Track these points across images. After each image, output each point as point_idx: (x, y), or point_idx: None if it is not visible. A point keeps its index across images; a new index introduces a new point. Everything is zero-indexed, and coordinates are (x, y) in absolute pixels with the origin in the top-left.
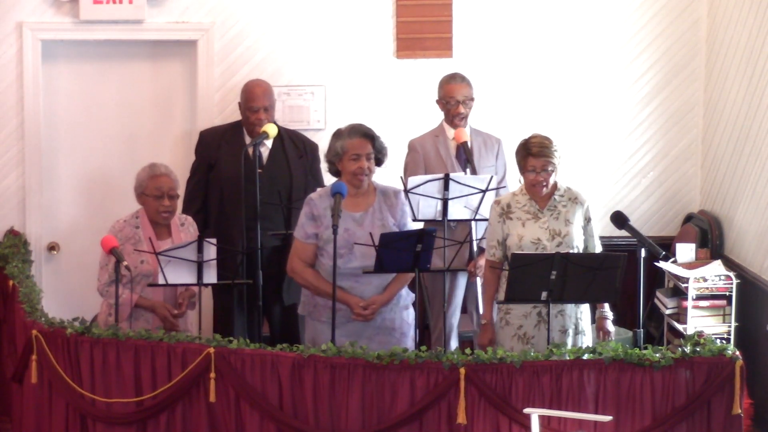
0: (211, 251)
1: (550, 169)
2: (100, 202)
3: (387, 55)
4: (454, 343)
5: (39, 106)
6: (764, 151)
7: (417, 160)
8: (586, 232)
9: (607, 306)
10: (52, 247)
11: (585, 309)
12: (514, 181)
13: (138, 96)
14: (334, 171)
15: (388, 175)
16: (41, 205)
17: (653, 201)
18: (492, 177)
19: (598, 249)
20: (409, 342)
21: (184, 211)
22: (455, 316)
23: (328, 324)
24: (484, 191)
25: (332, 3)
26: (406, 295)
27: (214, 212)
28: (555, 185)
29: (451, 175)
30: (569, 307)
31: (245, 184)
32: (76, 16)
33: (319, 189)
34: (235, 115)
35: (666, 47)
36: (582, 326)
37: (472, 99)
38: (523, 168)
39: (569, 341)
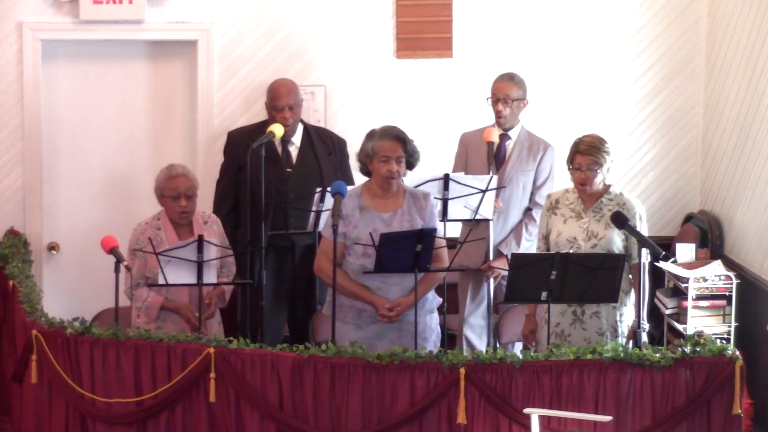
0: (211, 251)
1: (596, 168)
2: (100, 202)
3: (387, 55)
4: (483, 341)
5: (39, 106)
6: (764, 151)
7: (461, 153)
8: (629, 240)
9: (645, 316)
10: (52, 247)
11: (626, 312)
12: (559, 186)
13: (138, 96)
14: (365, 171)
15: None
16: (41, 205)
17: (653, 201)
18: (492, 177)
19: (644, 258)
20: (430, 346)
21: (216, 212)
22: (480, 315)
23: (353, 324)
24: (483, 191)
25: (332, 3)
26: (432, 299)
27: (245, 213)
28: (606, 188)
29: (451, 175)
30: (606, 309)
31: (275, 183)
32: (76, 16)
33: (348, 188)
34: (236, 115)
35: (666, 47)
36: (622, 329)
37: (517, 100)
38: (571, 164)
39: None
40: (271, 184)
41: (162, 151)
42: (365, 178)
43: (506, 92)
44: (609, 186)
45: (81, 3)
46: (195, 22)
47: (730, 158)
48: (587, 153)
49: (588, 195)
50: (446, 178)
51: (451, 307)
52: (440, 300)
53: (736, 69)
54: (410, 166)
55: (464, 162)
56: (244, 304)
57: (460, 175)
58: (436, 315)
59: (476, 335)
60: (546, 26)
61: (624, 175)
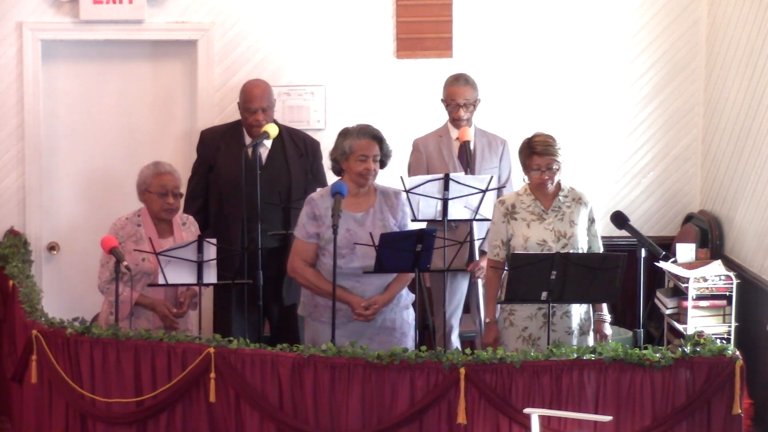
0: (211, 251)
1: (555, 167)
2: (100, 202)
3: (387, 55)
4: (455, 343)
5: (39, 106)
6: (764, 151)
7: (420, 160)
8: (589, 233)
9: (605, 308)
10: (52, 247)
11: (591, 310)
12: (519, 182)
13: (138, 96)
14: (338, 170)
15: (388, 175)
16: (41, 205)
17: (653, 201)
18: (492, 177)
19: (601, 250)
20: (410, 342)
21: (185, 210)
22: (456, 316)
23: (329, 324)
24: (484, 191)
25: (332, 3)
26: (407, 296)
27: (214, 212)
28: (558, 185)
29: (451, 175)
30: (574, 308)
31: (245, 184)
32: (76, 16)
33: (320, 189)
34: (235, 115)
35: (666, 47)
36: (587, 327)
37: (475, 102)
38: (527, 167)
39: (574, 342)
40: (240, 184)
41: (162, 151)
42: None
43: (465, 97)
44: (559, 181)
45: (81, 3)
46: (195, 22)
47: (730, 158)
48: (545, 153)
49: (545, 195)
50: (446, 178)
51: (420, 306)
52: (413, 296)
53: (736, 69)
54: (382, 165)
55: (424, 168)
56: (216, 304)
57: (460, 175)
58: (412, 311)
59: (454, 335)
60: (546, 26)
61: (624, 175)
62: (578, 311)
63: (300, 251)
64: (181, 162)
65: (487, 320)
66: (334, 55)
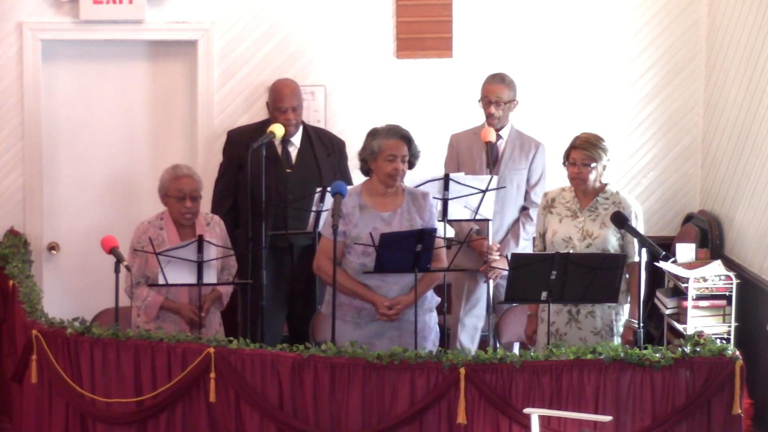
0: (211, 251)
1: (589, 164)
2: (100, 202)
3: (387, 55)
4: (466, 342)
5: (39, 106)
6: (764, 151)
7: (452, 155)
8: (624, 239)
9: (636, 313)
10: (52, 247)
11: (622, 311)
12: (553, 185)
13: (138, 96)
14: (366, 170)
15: None
16: (41, 205)
17: (653, 201)
18: (492, 177)
19: (637, 257)
20: (430, 345)
21: (214, 211)
22: (472, 315)
23: (352, 323)
24: (483, 191)
25: (332, 3)
26: (431, 298)
27: (245, 212)
28: (602, 186)
29: (451, 175)
30: (601, 309)
31: (275, 184)
32: (76, 16)
33: (348, 187)
34: (236, 115)
35: (666, 47)
36: (618, 328)
37: (509, 101)
38: (566, 160)
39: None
40: (270, 184)
41: (162, 151)
42: (363, 179)
43: (498, 95)
44: (605, 185)
45: (81, 3)
46: (195, 22)
47: (730, 158)
48: (582, 148)
49: (584, 193)
50: (446, 178)
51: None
52: (439, 299)
53: (736, 69)
54: (411, 165)
55: (455, 163)
56: (244, 304)
57: (460, 175)
58: (434, 314)
59: (469, 337)
60: (546, 26)
61: (624, 175)
62: (607, 312)
63: (326, 249)
64: (181, 162)
65: (528, 313)
66: (334, 55)
